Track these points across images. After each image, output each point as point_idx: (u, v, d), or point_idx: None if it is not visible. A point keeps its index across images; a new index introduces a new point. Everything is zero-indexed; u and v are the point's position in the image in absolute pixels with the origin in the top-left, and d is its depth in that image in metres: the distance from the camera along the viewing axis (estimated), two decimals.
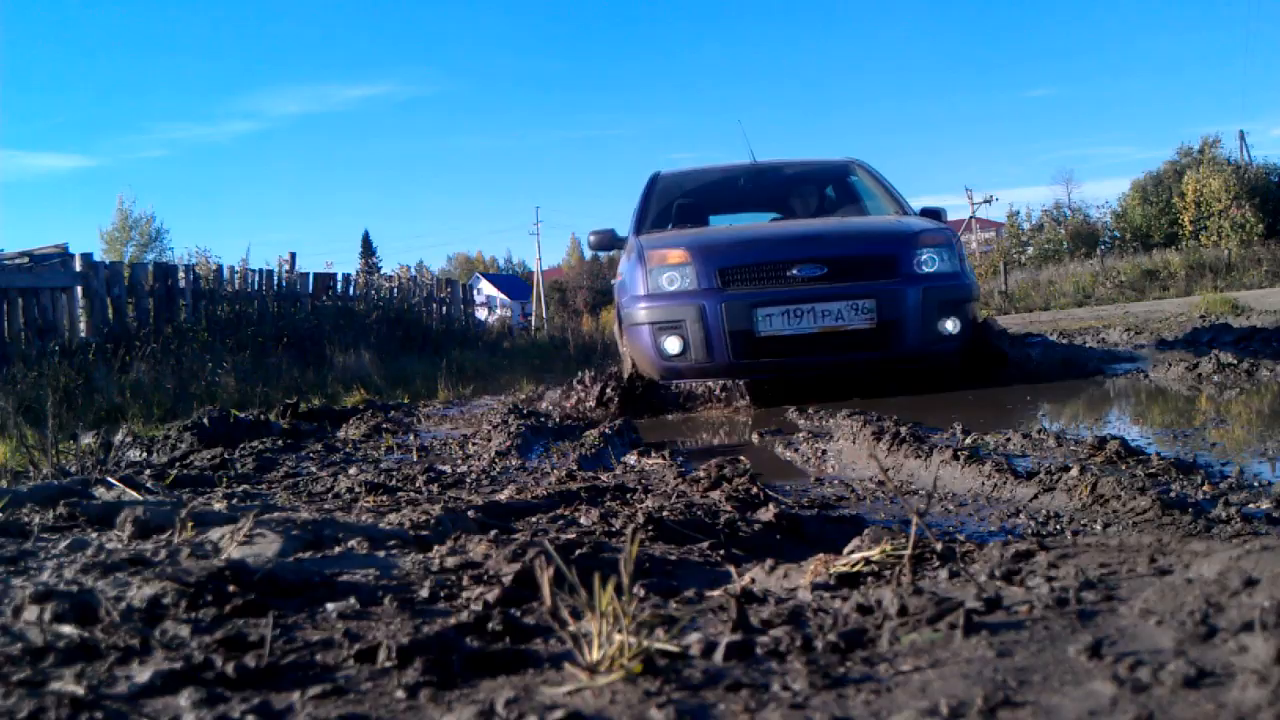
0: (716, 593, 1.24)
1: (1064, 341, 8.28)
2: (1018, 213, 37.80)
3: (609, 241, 6.38)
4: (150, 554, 1.44)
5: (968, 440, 2.97)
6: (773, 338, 4.83)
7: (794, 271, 4.93)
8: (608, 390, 5.17)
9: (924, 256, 5.07)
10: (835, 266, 4.93)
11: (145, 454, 3.55)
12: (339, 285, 12.90)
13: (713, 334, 4.87)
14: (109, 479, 2.31)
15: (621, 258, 6.38)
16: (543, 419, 4.21)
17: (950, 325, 4.97)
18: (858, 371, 5.09)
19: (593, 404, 5.13)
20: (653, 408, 5.13)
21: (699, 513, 1.75)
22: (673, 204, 6.50)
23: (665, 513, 1.72)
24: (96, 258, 8.71)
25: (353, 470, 2.82)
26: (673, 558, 1.47)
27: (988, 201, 41.00)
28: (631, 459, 3.00)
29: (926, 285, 4.96)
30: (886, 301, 4.86)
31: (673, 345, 4.93)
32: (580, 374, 5.61)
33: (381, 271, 17.88)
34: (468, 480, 2.60)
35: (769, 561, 1.40)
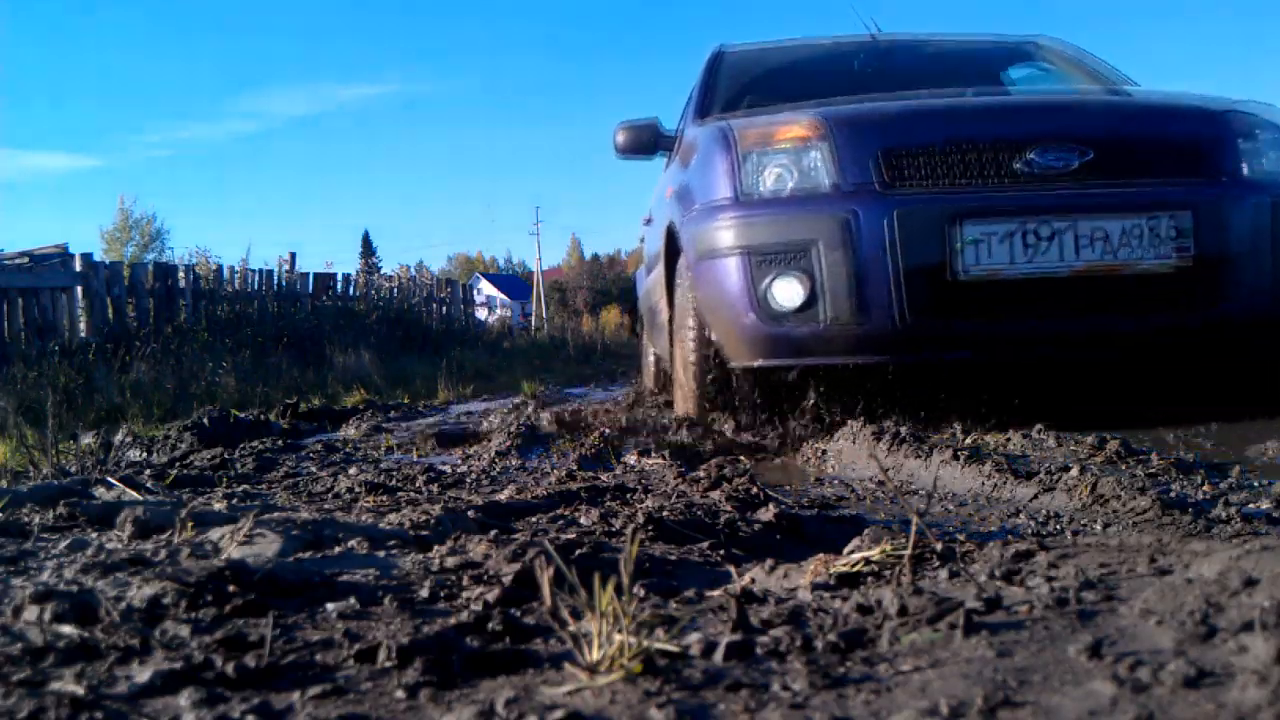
0: (716, 593, 1.24)
1: None
2: None
3: (650, 138, 4.08)
4: (150, 554, 1.44)
5: (968, 440, 2.97)
6: (989, 283, 2.74)
7: (1029, 159, 2.79)
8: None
9: (1258, 145, 2.89)
10: (1107, 153, 2.81)
11: (145, 454, 3.55)
12: (339, 285, 12.91)
13: (869, 271, 2.77)
14: (109, 479, 2.31)
15: (667, 169, 4.27)
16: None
17: None
18: (1156, 351, 2.96)
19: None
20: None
21: (699, 513, 1.75)
22: (743, 99, 3.94)
23: (665, 513, 1.72)
24: (97, 258, 8.73)
25: (353, 470, 2.82)
26: (673, 558, 1.47)
27: None
28: (631, 459, 3.00)
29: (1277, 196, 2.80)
30: (1210, 217, 2.74)
31: (788, 293, 2.84)
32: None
33: (381, 271, 17.93)
34: (468, 480, 2.60)
35: (769, 561, 1.40)
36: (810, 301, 2.84)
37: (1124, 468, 2.31)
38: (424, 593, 1.24)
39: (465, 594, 1.23)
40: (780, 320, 2.89)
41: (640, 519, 1.67)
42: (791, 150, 2.95)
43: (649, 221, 4.79)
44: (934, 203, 2.80)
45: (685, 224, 3.21)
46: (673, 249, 3.53)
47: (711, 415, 3.28)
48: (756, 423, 3.22)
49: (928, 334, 2.83)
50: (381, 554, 1.49)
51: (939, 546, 1.36)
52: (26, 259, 8.46)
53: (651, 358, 5.85)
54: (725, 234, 2.97)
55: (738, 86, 4.05)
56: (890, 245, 2.76)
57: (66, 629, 1.07)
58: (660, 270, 3.88)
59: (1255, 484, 2.14)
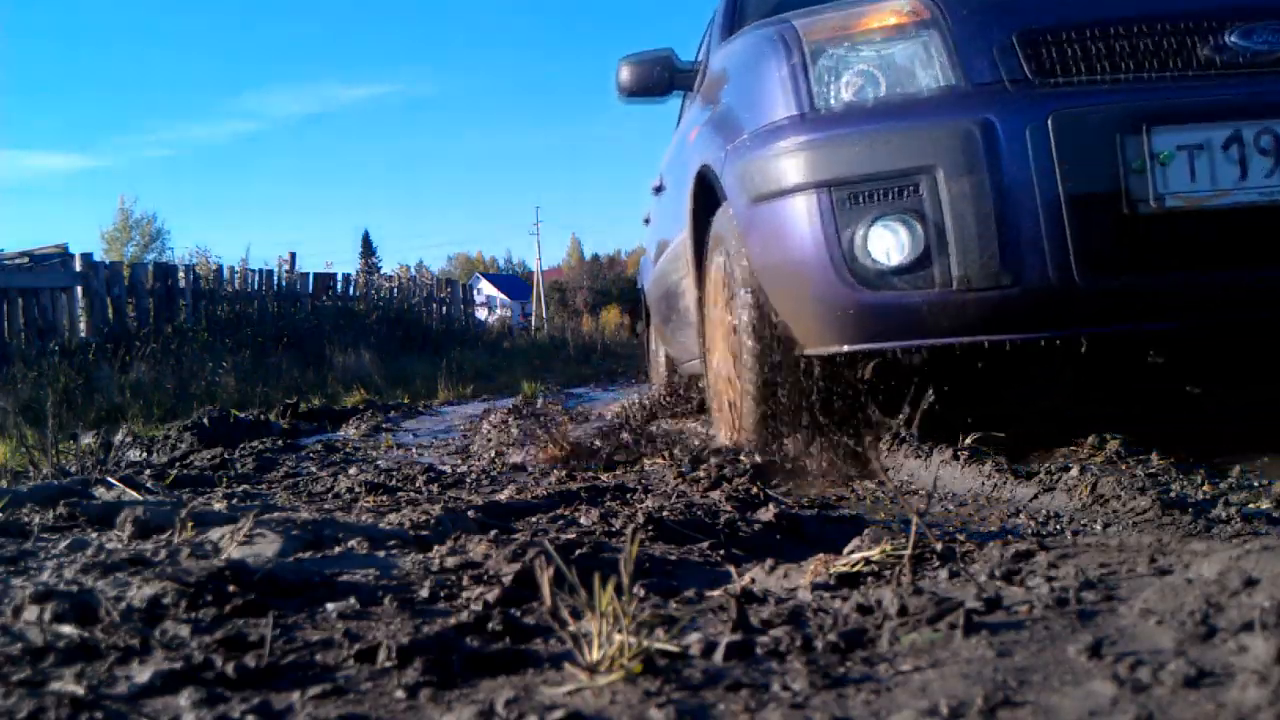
0: (716, 593, 1.24)
1: None
2: None
3: (663, 74, 3.18)
4: (150, 554, 1.44)
5: (967, 440, 2.97)
6: (1201, 213, 1.94)
7: (1248, 31, 2.00)
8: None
9: None
10: None
11: (145, 454, 3.55)
12: (339, 285, 12.92)
13: (1015, 206, 1.96)
14: (109, 479, 2.31)
15: (686, 113, 3.56)
16: (541, 415, 4.20)
17: None
18: None
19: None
20: None
21: (699, 513, 1.75)
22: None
23: (665, 513, 1.72)
24: (97, 258, 8.75)
25: (353, 470, 2.82)
26: (673, 558, 1.47)
27: None
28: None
29: None
30: None
31: (890, 244, 2.05)
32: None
33: (381, 271, 17.95)
34: (468, 480, 2.60)
35: (769, 561, 1.40)
36: (925, 256, 2.02)
37: (1124, 468, 2.31)
38: (424, 593, 1.24)
39: (465, 594, 1.23)
40: (880, 284, 2.07)
41: (640, 519, 1.67)
42: (883, 41, 2.11)
43: (659, 189, 3.90)
44: (1109, 101, 1.97)
45: (730, 159, 2.35)
46: (705, 205, 2.69)
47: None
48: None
49: (1109, 294, 2.01)
50: (381, 554, 1.49)
51: (939, 546, 1.36)
52: (26, 259, 8.47)
53: (663, 359, 4.89)
54: (793, 163, 2.14)
55: (770, 5, 3.01)
56: (1048, 166, 1.94)
57: (66, 629, 1.07)
58: (686, 237, 2.97)
59: (1255, 484, 2.14)
